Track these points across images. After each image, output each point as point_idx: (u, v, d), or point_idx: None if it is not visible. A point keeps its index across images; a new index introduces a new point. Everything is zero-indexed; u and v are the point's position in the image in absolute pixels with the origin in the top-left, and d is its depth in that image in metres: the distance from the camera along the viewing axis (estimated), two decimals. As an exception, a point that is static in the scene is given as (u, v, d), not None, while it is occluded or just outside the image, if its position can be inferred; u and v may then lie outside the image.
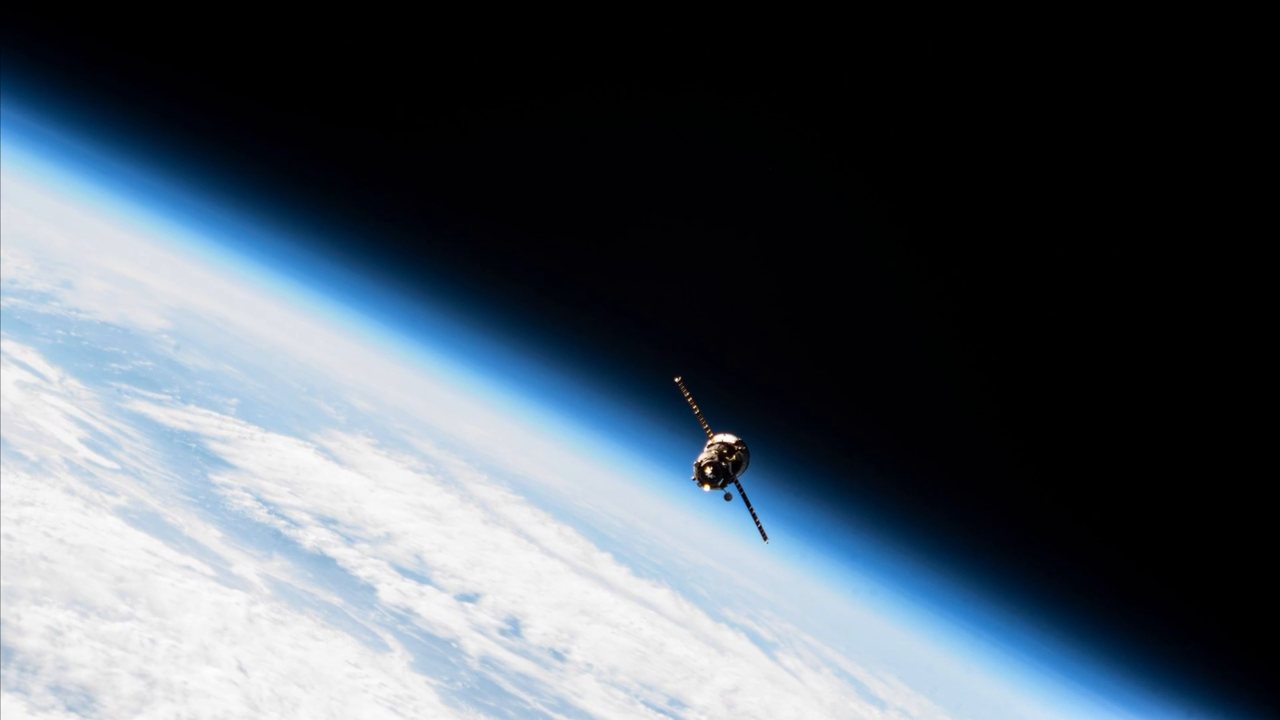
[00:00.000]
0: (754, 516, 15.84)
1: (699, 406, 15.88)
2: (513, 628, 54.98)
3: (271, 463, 58.20)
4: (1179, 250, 46.01)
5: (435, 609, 52.09)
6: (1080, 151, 46.00)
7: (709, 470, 15.27)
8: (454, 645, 49.72)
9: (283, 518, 52.47)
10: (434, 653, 47.78)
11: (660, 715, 54.18)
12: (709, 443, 15.60)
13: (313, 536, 52.26)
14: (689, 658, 63.02)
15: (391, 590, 51.44)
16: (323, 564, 50.37)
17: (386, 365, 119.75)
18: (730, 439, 15.58)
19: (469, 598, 55.34)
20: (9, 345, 53.39)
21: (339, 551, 52.42)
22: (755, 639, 74.77)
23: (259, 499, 52.86)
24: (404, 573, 54.07)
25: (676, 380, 16.10)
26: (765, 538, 16.11)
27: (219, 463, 54.80)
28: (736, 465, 15.50)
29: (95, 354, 59.66)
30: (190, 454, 53.89)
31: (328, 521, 54.85)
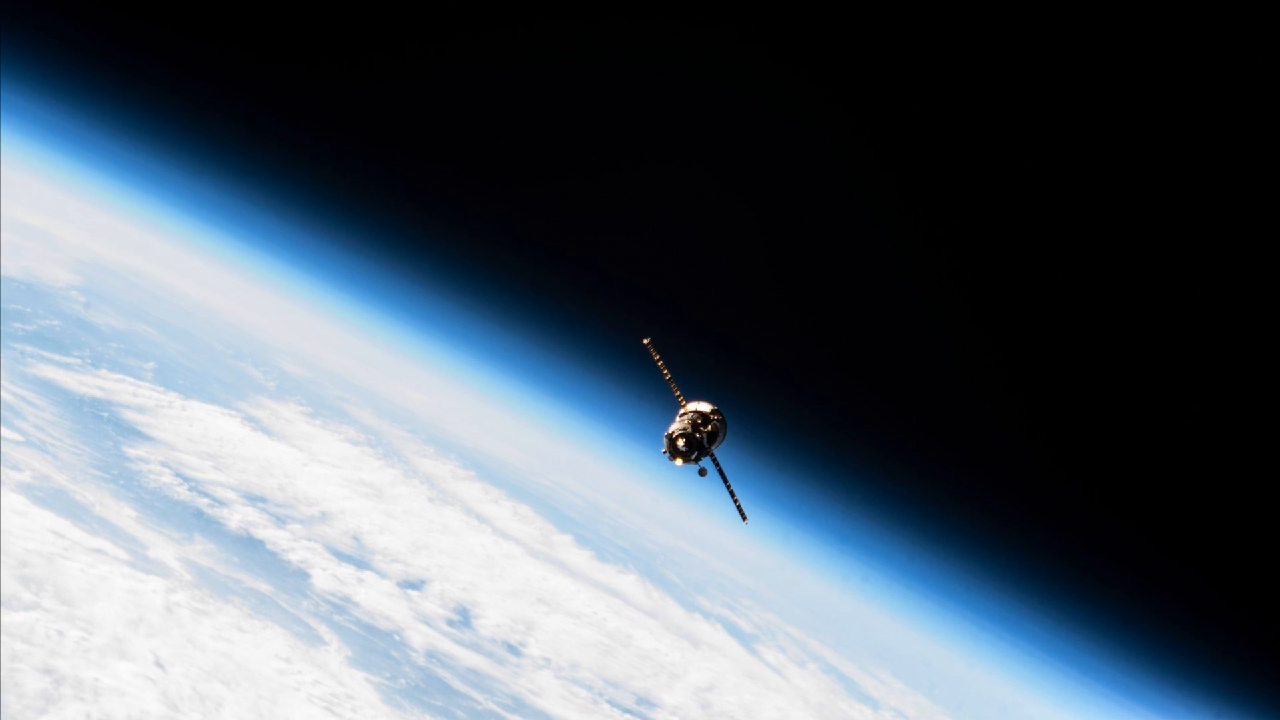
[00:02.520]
0: (731, 494, 15.86)
1: (670, 371, 15.83)
2: (462, 618, 55.13)
3: (193, 434, 58.03)
4: (1205, 215, 46.11)
5: (376, 597, 52.14)
6: (1094, 101, 46.04)
7: (681, 442, 15.25)
8: (396, 638, 49.80)
9: (205, 495, 52.35)
10: (374, 646, 47.85)
11: (627, 716, 54.47)
12: (681, 411, 15.58)
13: (238, 516, 52.17)
14: (659, 651, 63.34)
15: (327, 576, 51.46)
16: (250, 547, 50.29)
17: (321, 325, 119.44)
18: (705, 407, 15.56)
19: (413, 585, 55.44)
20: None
21: (268, 533, 52.35)
22: (733, 630, 75.21)
23: (178, 474, 52.72)
24: (341, 557, 54.08)
25: (645, 342, 16.06)
26: (744, 518, 16.14)
27: (134, 434, 54.58)
28: (712, 436, 15.48)
29: (-6, 312, 59.31)
30: (102, 424, 53.64)
31: (255, 499, 54.76)
